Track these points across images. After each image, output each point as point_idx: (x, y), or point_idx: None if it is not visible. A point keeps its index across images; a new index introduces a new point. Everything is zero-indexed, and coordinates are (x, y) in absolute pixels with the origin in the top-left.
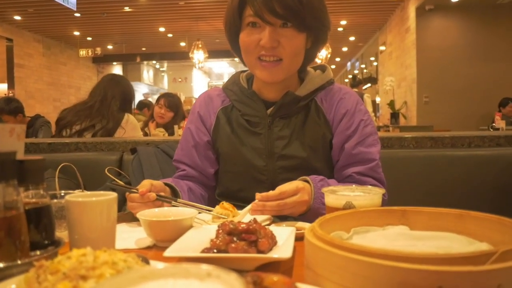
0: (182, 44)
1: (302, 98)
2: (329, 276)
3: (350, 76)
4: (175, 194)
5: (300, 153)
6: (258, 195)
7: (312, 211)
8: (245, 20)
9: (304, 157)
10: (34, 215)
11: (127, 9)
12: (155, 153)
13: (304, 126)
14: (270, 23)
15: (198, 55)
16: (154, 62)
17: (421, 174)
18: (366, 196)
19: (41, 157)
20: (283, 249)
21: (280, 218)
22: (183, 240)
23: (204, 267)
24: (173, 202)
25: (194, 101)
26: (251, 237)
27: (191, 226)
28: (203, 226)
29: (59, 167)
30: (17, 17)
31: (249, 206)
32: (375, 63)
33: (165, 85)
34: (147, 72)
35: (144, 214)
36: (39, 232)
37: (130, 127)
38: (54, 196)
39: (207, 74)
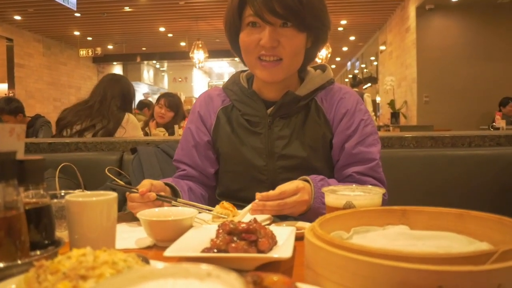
0: (182, 44)
1: (302, 97)
2: (329, 275)
3: (350, 76)
4: (175, 194)
5: (300, 152)
6: (258, 195)
7: (312, 211)
8: (245, 20)
9: (304, 157)
10: (34, 215)
11: (127, 9)
12: (155, 153)
13: (304, 126)
14: (270, 23)
15: (198, 55)
16: (154, 62)
17: (421, 174)
18: (366, 195)
19: (41, 157)
20: (283, 249)
21: (280, 217)
22: (183, 240)
23: (204, 267)
24: (173, 202)
25: (194, 101)
26: (251, 236)
27: (191, 226)
28: (203, 226)
29: (59, 167)
30: (17, 17)
31: (249, 206)
32: (375, 63)
33: (165, 85)
34: (147, 72)
35: (144, 214)
36: (39, 232)
37: (131, 127)
38: (54, 196)
39: (207, 74)
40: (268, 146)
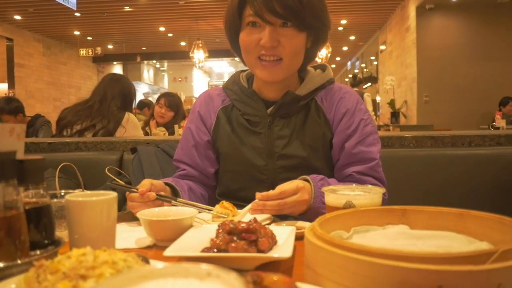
0: (182, 43)
1: (302, 97)
2: (329, 275)
3: (351, 75)
4: (175, 193)
5: (300, 152)
6: (258, 195)
7: (312, 211)
8: (245, 19)
9: (304, 157)
10: (34, 214)
11: (127, 8)
12: (155, 152)
13: (304, 126)
14: (270, 23)
15: (198, 55)
16: (154, 61)
17: (421, 174)
18: (366, 195)
19: (41, 157)
20: (283, 248)
21: (280, 217)
22: (183, 239)
23: (204, 266)
24: (173, 201)
25: (194, 101)
26: (251, 236)
27: (191, 226)
28: (203, 226)
29: (59, 166)
30: (17, 17)
31: (249, 206)
32: (375, 62)
33: (165, 85)
34: (147, 72)
35: (144, 213)
36: (39, 232)
37: (131, 126)
38: (54, 196)
39: (207, 74)
40: (268, 145)
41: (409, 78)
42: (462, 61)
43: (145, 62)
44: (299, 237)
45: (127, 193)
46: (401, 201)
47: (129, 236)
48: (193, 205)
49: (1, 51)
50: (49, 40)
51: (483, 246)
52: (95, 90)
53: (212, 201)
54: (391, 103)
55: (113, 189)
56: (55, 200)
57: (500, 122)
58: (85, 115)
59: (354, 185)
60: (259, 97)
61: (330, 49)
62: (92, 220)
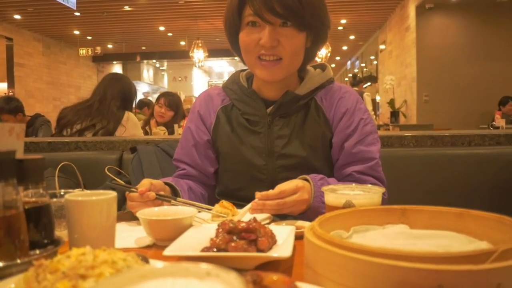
0: (182, 43)
1: (302, 97)
2: (329, 275)
3: (350, 75)
4: (175, 193)
5: (300, 152)
6: (258, 194)
7: (312, 210)
8: (245, 19)
9: (304, 156)
10: (34, 214)
11: (127, 8)
12: (155, 152)
13: (304, 125)
14: (269, 23)
15: (198, 54)
16: (154, 61)
17: (421, 173)
18: (366, 195)
19: (41, 156)
20: (282, 248)
21: (280, 217)
22: (183, 239)
23: (204, 266)
24: (172, 201)
25: (194, 100)
26: (251, 236)
27: (190, 225)
28: (202, 225)
29: (59, 166)
30: (17, 16)
31: (249, 205)
32: (375, 62)
33: (165, 84)
34: (147, 71)
35: (144, 213)
36: (38, 231)
37: (131, 125)
38: (53, 195)
39: (207, 73)
40: (267, 145)
41: (409, 78)
42: (461, 60)
43: (145, 61)
44: (299, 237)
45: (127, 192)
46: (401, 201)
47: (129, 235)
48: (193, 205)
49: (1, 50)
50: (48, 40)
51: (482, 245)
52: (96, 90)
53: (211, 201)
54: (391, 103)
55: (113, 189)
56: (54, 199)
57: (499, 121)
58: (84, 115)
59: (353, 184)
60: (258, 97)
61: (329, 49)
62: (92, 220)
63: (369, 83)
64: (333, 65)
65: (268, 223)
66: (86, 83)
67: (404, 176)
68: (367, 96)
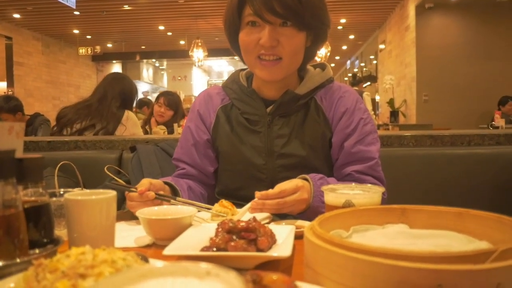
0: (182, 42)
1: (302, 96)
2: (329, 274)
3: (350, 75)
4: (174, 192)
5: (299, 151)
6: (257, 194)
7: (311, 210)
8: (245, 19)
9: (304, 156)
10: (33, 213)
11: (126, 7)
12: (154, 151)
13: (304, 125)
14: (269, 22)
15: (197, 54)
16: (153, 60)
17: (421, 173)
18: (366, 194)
19: (40, 155)
20: (282, 247)
21: (279, 216)
22: (183, 238)
23: (203, 265)
24: (172, 200)
25: (193, 100)
26: (251, 235)
27: (190, 225)
28: (202, 225)
29: (59, 165)
30: (16, 15)
31: (248, 205)
32: (374, 62)
33: (164, 84)
34: (146, 71)
35: (143, 212)
36: (38, 231)
37: (131, 124)
38: (53, 194)
39: (207, 73)
40: (267, 144)
41: (409, 77)
42: (461, 60)
43: (145, 61)
44: (299, 236)
45: (126, 192)
46: (401, 200)
47: (128, 235)
48: (192, 204)
49: (0, 49)
50: (48, 39)
51: (482, 245)
52: (96, 89)
53: (211, 200)
54: (391, 102)
55: (112, 189)
56: (54, 198)
57: (499, 121)
58: (84, 114)
59: (353, 184)
60: (258, 96)
61: (329, 48)
62: (91, 219)
63: (368, 83)
64: (332, 65)
65: (268, 223)
66: (85, 82)
67: (403, 175)
68: (366, 96)
